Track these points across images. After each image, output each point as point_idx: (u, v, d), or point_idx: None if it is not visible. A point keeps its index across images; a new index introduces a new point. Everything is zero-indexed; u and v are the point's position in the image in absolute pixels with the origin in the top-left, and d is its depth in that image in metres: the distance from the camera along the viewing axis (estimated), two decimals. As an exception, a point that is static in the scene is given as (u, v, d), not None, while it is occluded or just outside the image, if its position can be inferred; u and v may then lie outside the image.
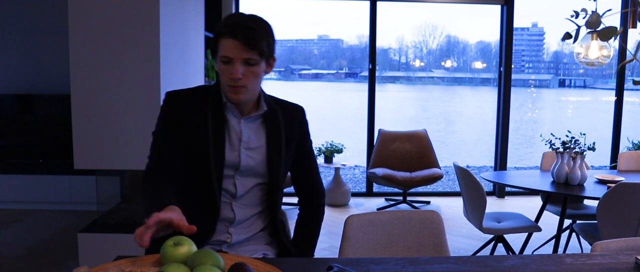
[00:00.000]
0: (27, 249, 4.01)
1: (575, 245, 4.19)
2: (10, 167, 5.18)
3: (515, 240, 4.25)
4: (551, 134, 3.78)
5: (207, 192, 1.65)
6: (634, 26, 3.38)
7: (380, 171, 5.31)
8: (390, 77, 23.03)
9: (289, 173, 1.85)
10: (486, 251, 3.98)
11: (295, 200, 1.93)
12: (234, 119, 1.68)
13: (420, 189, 5.93)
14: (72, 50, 2.95)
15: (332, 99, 23.05)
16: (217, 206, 1.66)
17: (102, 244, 3.06)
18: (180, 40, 3.36)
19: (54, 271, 3.58)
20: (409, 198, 5.70)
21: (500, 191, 6.05)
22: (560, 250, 4.00)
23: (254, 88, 1.62)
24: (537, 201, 5.35)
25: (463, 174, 3.61)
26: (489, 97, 20.79)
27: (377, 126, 5.90)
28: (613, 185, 3.16)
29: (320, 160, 5.91)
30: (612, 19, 5.73)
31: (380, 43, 15.61)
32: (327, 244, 4.30)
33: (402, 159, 5.57)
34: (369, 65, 5.86)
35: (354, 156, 8.75)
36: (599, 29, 3.11)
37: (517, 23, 5.97)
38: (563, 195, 3.58)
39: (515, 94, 9.77)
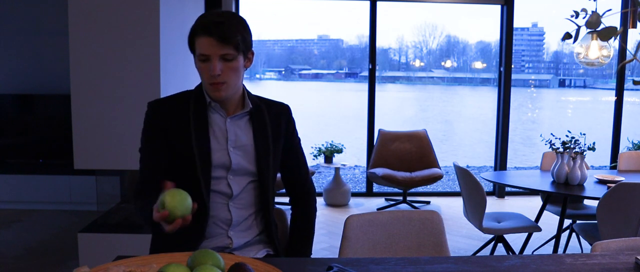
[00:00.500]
0: (27, 249, 4.01)
1: (575, 245, 4.19)
2: (10, 167, 5.18)
3: (515, 240, 4.25)
4: (551, 134, 3.78)
5: (195, 194, 1.62)
6: (634, 26, 3.38)
7: (380, 171, 5.31)
8: (390, 77, 23.02)
9: (279, 173, 1.85)
10: (486, 251, 3.98)
11: (288, 200, 1.93)
12: (220, 118, 1.68)
13: (420, 189, 5.93)
14: (72, 50, 2.95)
15: (332, 99, 23.05)
16: (206, 207, 1.65)
17: (102, 244, 3.06)
18: (180, 40, 3.36)
19: (54, 271, 3.58)
20: (409, 198, 5.70)
21: (500, 191, 6.05)
22: (560, 250, 4.00)
23: (234, 83, 1.62)
24: (537, 201, 5.35)
25: (463, 174, 3.61)
26: (489, 97, 20.78)
27: (377, 126, 5.90)
28: (613, 185, 3.16)
29: (320, 160, 5.91)
30: (612, 19, 5.72)
31: (380, 43, 15.61)
32: (327, 244, 4.30)
33: (402, 159, 5.57)
34: (369, 65, 5.86)
35: (354, 156, 8.75)
36: (599, 29, 3.11)
37: (517, 23, 5.98)
38: (563, 195, 3.58)
39: (515, 94, 9.77)
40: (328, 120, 16.26)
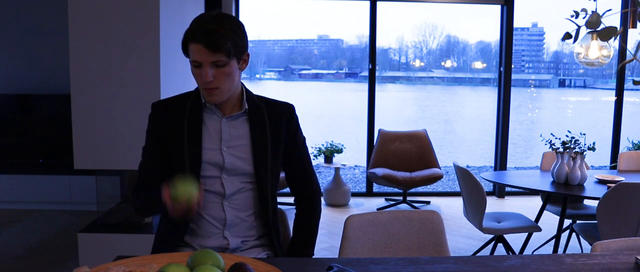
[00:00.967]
0: (27, 249, 4.01)
1: (575, 245, 4.19)
2: (10, 167, 5.18)
3: (515, 240, 4.25)
4: (551, 134, 3.78)
5: None
6: (634, 26, 3.38)
7: (380, 171, 5.31)
8: (390, 77, 23.00)
9: (283, 174, 1.85)
10: (486, 251, 3.98)
11: (293, 199, 1.92)
12: (215, 118, 1.69)
13: (420, 189, 5.93)
14: (72, 50, 2.95)
15: (332, 99, 23.04)
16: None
17: (102, 244, 3.06)
18: (180, 41, 3.35)
19: (54, 271, 3.58)
20: (409, 198, 5.70)
21: (500, 191, 6.05)
22: (560, 250, 4.00)
23: (228, 88, 1.62)
24: (537, 201, 5.35)
25: (463, 174, 3.61)
26: (489, 97, 20.78)
27: (377, 126, 5.90)
28: (613, 185, 3.16)
29: (320, 160, 5.91)
30: (612, 19, 5.72)
31: (380, 43, 15.60)
32: (327, 244, 4.30)
33: (402, 159, 5.57)
34: (369, 65, 5.86)
35: (354, 156, 8.75)
36: (599, 29, 3.11)
37: (517, 23, 5.98)
38: (563, 195, 3.58)
39: (515, 94, 9.77)
40: (328, 120, 16.26)
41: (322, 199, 5.62)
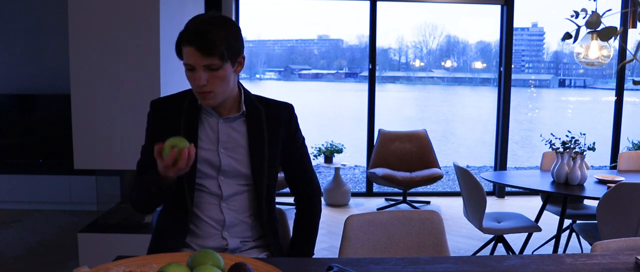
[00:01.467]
0: (27, 249, 4.01)
1: (575, 245, 4.19)
2: (10, 167, 5.18)
3: (515, 240, 4.25)
4: (551, 134, 3.78)
5: (178, 190, 1.65)
6: (634, 26, 3.38)
7: (380, 171, 5.31)
8: (390, 77, 23.00)
9: (283, 174, 1.84)
10: (486, 251, 3.98)
11: (293, 199, 1.92)
12: (212, 119, 1.67)
13: (420, 189, 5.93)
14: (72, 50, 2.95)
15: (332, 99, 23.04)
16: (187, 204, 1.66)
17: (102, 244, 3.06)
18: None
19: (54, 271, 3.58)
20: (409, 198, 5.70)
21: (500, 191, 6.05)
22: (560, 250, 4.00)
23: (223, 91, 1.59)
24: (537, 201, 5.35)
25: (463, 174, 3.61)
26: (489, 97, 20.77)
27: (377, 126, 5.90)
28: (613, 185, 3.16)
29: (320, 160, 5.91)
30: (612, 19, 5.72)
31: (380, 43, 15.60)
32: (327, 244, 4.30)
33: (402, 159, 5.57)
34: (369, 65, 5.86)
35: (354, 156, 8.74)
36: (599, 29, 3.11)
37: (517, 23, 5.98)
38: (563, 195, 3.58)
39: (515, 94, 9.77)
40: (328, 120, 16.25)
41: (322, 199, 5.62)
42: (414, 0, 6.20)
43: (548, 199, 3.84)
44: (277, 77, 23.35)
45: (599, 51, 3.55)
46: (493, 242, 3.84)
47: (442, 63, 22.93)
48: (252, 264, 1.30)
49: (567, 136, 3.69)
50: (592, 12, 3.09)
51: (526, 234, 3.94)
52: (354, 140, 9.94)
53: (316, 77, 23.76)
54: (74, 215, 4.90)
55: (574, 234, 4.07)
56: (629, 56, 3.16)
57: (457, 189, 5.38)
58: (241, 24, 5.83)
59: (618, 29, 3.05)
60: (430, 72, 23.84)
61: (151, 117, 1.72)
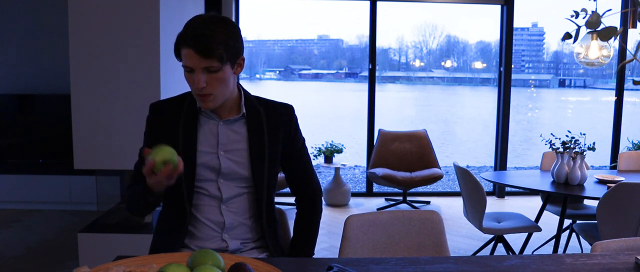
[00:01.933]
0: (27, 249, 4.01)
1: (575, 245, 4.19)
2: (10, 167, 5.18)
3: (515, 240, 4.25)
4: (551, 134, 3.78)
5: (177, 193, 1.65)
6: (634, 26, 3.38)
7: (380, 171, 5.31)
8: (390, 77, 23.00)
9: (283, 175, 1.84)
10: (486, 251, 3.98)
11: (293, 200, 1.92)
12: (211, 122, 1.66)
13: (420, 189, 5.93)
14: (72, 50, 2.95)
15: (332, 99, 23.03)
16: (186, 207, 1.66)
17: (102, 244, 3.06)
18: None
19: (54, 271, 3.58)
20: (409, 198, 5.70)
21: (500, 191, 6.05)
22: (560, 250, 4.00)
23: (222, 93, 1.57)
24: (537, 201, 5.35)
25: (463, 174, 3.60)
26: (489, 97, 20.77)
27: (377, 126, 5.90)
28: (613, 185, 3.16)
29: (320, 160, 5.91)
30: (612, 19, 5.72)
31: (380, 43, 15.59)
32: (327, 244, 4.30)
33: (402, 159, 5.57)
34: (369, 65, 5.86)
35: (354, 156, 8.75)
36: (599, 29, 3.11)
37: (517, 23, 5.98)
38: (563, 195, 3.58)
39: (515, 94, 9.77)
40: (328, 120, 16.25)
41: (322, 199, 5.62)
42: (414, 0, 6.20)
43: (548, 199, 3.84)
44: (277, 77, 23.35)
45: (599, 51, 3.55)
46: (493, 242, 3.84)
47: (442, 63, 22.93)
48: (252, 264, 1.30)
49: (567, 136, 3.69)
50: (592, 12, 3.09)
51: (526, 234, 3.94)
52: (354, 140, 9.94)
53: (316, 77, 23.76)
54: (74, 215, 4.90)
55: (574, 234, 4.07)
56: (629, 56, 3.16)
57: (457, 189, 5.38)
58: (241, 24, 5.83)
59: (618, 29, 3.05)
60: (430, 72, 23.85)
61: (150, 120, 1.70)
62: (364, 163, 6.88)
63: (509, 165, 6.18)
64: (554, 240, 3.73)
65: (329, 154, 5.83)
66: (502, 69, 5.91)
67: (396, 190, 5.92)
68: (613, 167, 6.07)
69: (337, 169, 5.64)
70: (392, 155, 5.58)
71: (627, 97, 6.41)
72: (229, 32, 1.52)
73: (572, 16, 3.16)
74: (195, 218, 1.69)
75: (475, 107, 21.58)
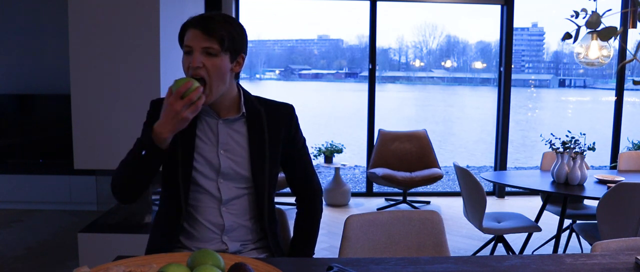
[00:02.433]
0: (27, 249, 4.01)
1: (575, 245, 4.19)
2: (10, 167, 5.18)
3: (515, 240, 4.25)
4: (551, 134, 3.78)
5: (174, 190, 1.65)
6: (634, 26, 3.38)
7: (380, 171, 5.31)
8: (390, 77, 23.02)
9: (284, 174, 1.84)
10: (486, 251, 3.98)
11: (294, 200, 1.92)
12: (211, 121, 1.66)
13: (420, 189, 5.93)
14: (72, 50, 2.95)
15: (332, 99, 23.04)
16: (182, 205, 1.65)
17: (102, 244, 3.06)
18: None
19: (54, 271, 3.58)
20: (409, 198, 5.70)
21: (500, 191, 6.05)
22: (560, 250, 4.00)
23: (216, 84, 1.56)
24: (537, 201, 5.35)
25: (463, 174, 3.60)
26: (489, 97, 20.78)
27: (377, 126, 5.90)
28: (613, 185, 3.16)
29: (320, 160, 5.91)
30: (612, 19, 5.72)
31: (380, 43, 15.60)
32: (327, 244, 4.30)
33: (402, 159, 5.57)
34: (369, 65, 5.86)
35: (354, 156, 8.75)
36: (599, 29, 3.11)
37: (517, 23, 5.98)
38: (563, 195, 3.58)
39: (515, 94, 9.77)
40: (328, 120, 16.25)
41: (323, 199, 5.61)
42: (414, 0, 6.20)
43: (548, 199, 3.84)
44: (277, 77, 23.35)
45: (599, 51, 3.55)
46: (493, 242, 3.84)
47: (442, 63, 22.94)
48: (252, 264, 1.30)
49: (567, 136, 3.69)
50: (592, 12, 3.09)
51: (526, 234, 3.94)
52: (354, 140, 9.94)
53: (316, 77, 23.77)
54: (74, 215, 4.90)
55: (574, 234, 4.07)
56: (629, 56, 3.16)
57: (457, 189, 5.38)
58: (241, 24, 5.83)
59: (618, 29, 3.06)
60: (430, 72, 23.86)
61: (150, 114, 1.70)
62: (364, 163, 6.88)
63: (509, 165, 6.18)
64: (554, 240, 3.73)
65: (329, 154, 5.83)
66: (502, 69, 5.91)
67: (396, 190, 5.93)
68: (613, 167, 6.07)
69: (337, 169, 5.64)
70: (392, 155, 5.58)
71: (627, 97, 6.41)
72: (235, 27, 1.58)
73: (572, 16, 3.16)
74: (194, 219, 1.68)
75: (475, 107, 21.59)
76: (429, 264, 1.52)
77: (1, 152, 5.33)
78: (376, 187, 6.23)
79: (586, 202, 4.22)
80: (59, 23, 4.75)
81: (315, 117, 16.01)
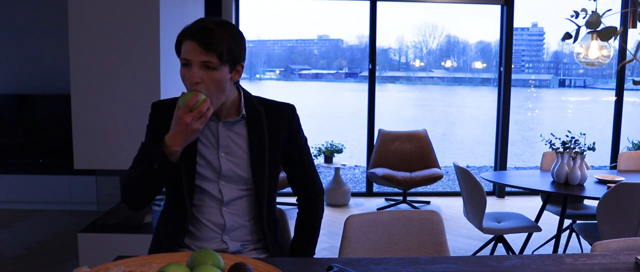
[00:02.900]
0: (27, 249, 4.01)
1: (575, 245, 4.19)
2: (10, 167, 5.18)
3: (515, 240, 4.25)
4: (551, 134, 3.78)
5: (178, 194, 1.65)
6: (634, 26, 3.38)
7: (380, 171, 5.31)
8: (390, 77, 23.00)
9: (285, 174, 1.84)
10: (486, 251, 3.98)
11: (294, 200, 1.92)
12: (211, 123, 1.65)
13: (420, 189, 5.93)
14: (72, 50, 2.95)
15: (332, 99, 23.04)
16: (187, 208, 1.65)
17: (102, 244, 3.06)
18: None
19: (54, 271, 3.58)
20: (409, 198, 5.70)
21: (500, 191, 6.05)
22: (560, 250, 4.00)
23: (215, 96, 1.54)
24: (537, 201, 5.35)
25: (463, 174, 3.60)
26: (489, 97, 20.77)
27: (377, 126, 5.90)
28: (613, 185, 3.16)
29: (320, 160, 5.91)
30: (612, 19, 5.72)
31: (380, 43, 15.59)
32: (327, 244, 4.30)
33: (402, 159, 5.57)
34: (369, 65, 5.86)
35: (354, 156, 8.75)
36: (599, 29, 3.11)
37: (517, 23, 5.98)
38: (563, 195, 3.58)
39: (515, 94, 9.77)
40: (328, 120, 16.25)
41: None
42: (414, 0, 6.20)
43: (548, 199, 3.84)
44: (277, 77, 23.34)
45: (599, 51, 3.55)
46: (493, 242, 3.84)
47: (442, 63, 22.94)
48: (252, 264, 1.30)
49: (567, 136, 3.69)
50: (592, 12, 3.09)
51: (526, 234, 3.94)
52: (354, 140, 9.94)
53: (316, 77, 23.76)
54: (74, 215, 4.90)
55: (574, 234, 4.07)
56: (629, 56, 3.16)
57: (457, 189, 5.38)
58: (241, 24, 5.83)
59: (618, 29, 3.06)
60: (430, 72, 23.85)
61: (151, 117, 1.71)
62: (364, 163, 6.88)
63: (509, 165, 6.18)
64: (554, 240, 3.73)
65: (329, 154, 5.83)
66: (502, 69, 5.91)
67: (396, 190, 5.93)
68: (613, 167, 6.07)
69: (337, 169, 5.64)
70: (392, 155, 5.58)
71: (627, 97, 6.41)
72: (234, 35, 1.53)
73: (572, 16, 3.16)
74: (195, 218, 1.69)
75: (475, 107, 21.58)
76: (429, 264, 1.52)
77: (1, 152, 5.33)
78: (376, 187, 6.23)
79: (586, 202, 4.22)
80: (59, 23, 4.75)
81: (316, 117, 16.00)
